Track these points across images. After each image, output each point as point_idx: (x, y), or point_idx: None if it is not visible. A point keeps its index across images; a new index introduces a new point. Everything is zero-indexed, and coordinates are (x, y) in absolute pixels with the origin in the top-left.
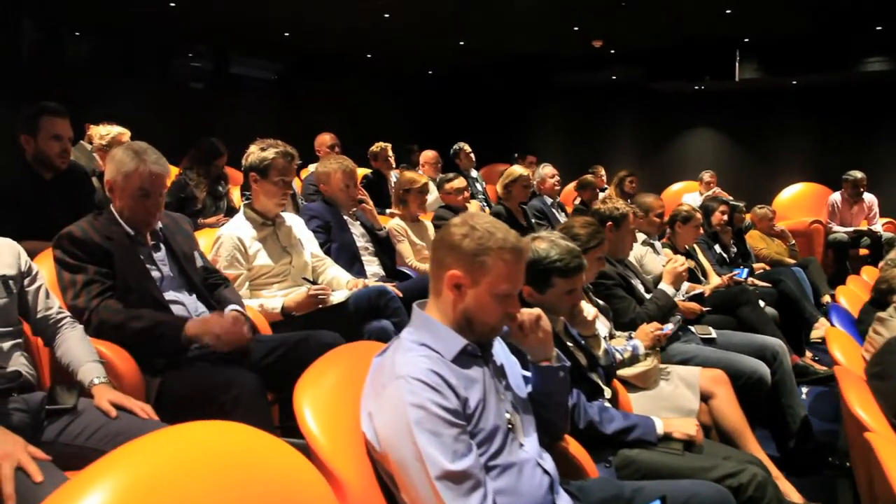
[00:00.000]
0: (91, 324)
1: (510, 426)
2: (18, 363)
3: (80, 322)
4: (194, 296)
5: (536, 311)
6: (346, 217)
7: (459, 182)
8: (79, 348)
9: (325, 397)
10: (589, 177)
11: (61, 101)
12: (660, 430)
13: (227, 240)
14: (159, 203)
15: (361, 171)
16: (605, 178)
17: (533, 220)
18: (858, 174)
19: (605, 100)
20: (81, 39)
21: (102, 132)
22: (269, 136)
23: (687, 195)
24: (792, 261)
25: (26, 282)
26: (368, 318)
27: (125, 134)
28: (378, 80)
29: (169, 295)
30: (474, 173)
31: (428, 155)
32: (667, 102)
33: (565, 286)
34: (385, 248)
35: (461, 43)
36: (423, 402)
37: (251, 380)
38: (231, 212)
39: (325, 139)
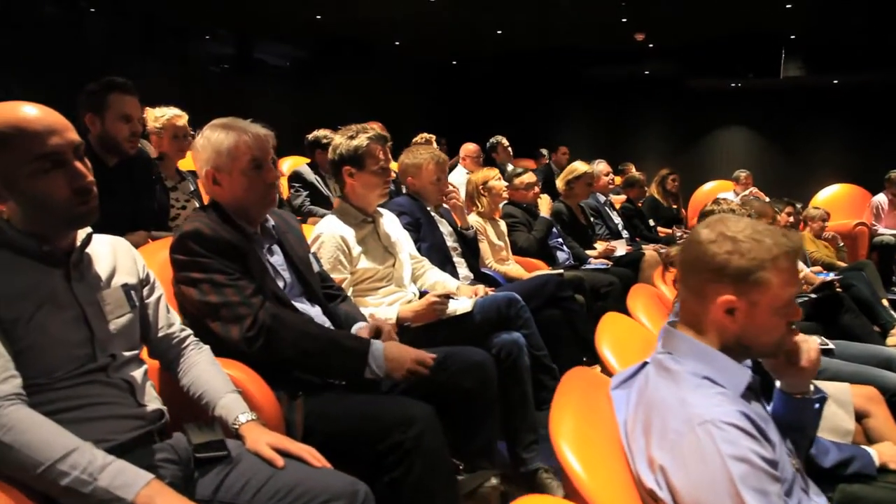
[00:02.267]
0: (257, 330)
1: (797, 472)
2: (152, 397)
3: (240, 331)
4: (318, 308)
5: (815, 339)
6: (433, 214)
7: (529, 177)
8: (212, 375)
9: (576, 435)
10: (637, 174)
11: (77, 80)
12: (876, 461)
13: (329, 240)
14: (276, 172)
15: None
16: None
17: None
18: None
19: (637, 95)
20: (99, 18)
21: (157, 114)
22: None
23: (721, 194)
24: (843, 264)
25: (145, 291)
26: (497, 330)
27: (182, 117)
28: (404, 69)
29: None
30: (511, 168)
31: (469, 148)
32: (700, 99)
33: None
34: (472, 248)
35: (499, 32)
36: (744, 453)
37: (429, 413)
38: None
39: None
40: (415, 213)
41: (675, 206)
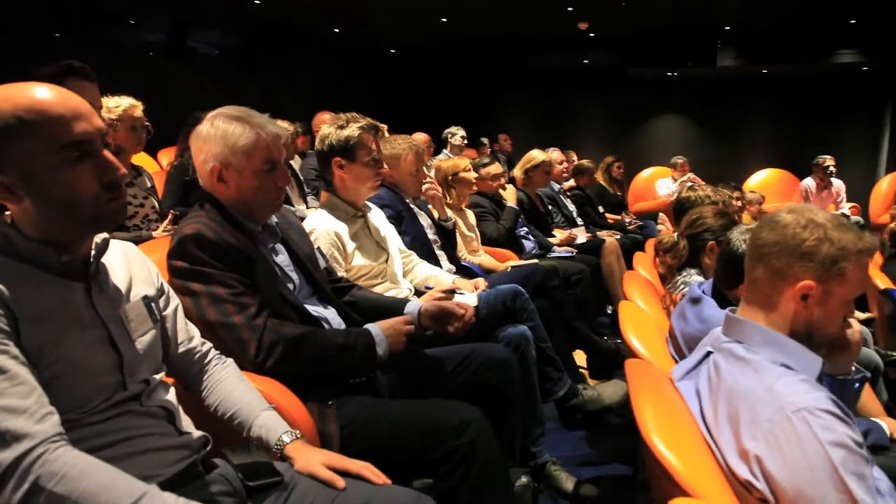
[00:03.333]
0: (265, 354)
1: None
2: (189, 422)
3: (244, 356)
4: (332, 309)
5: (857, 323)
6: (412, 206)
7: (496, 167)
8: (243, 392)
9: (665, 430)
10: (586, 162)
11: (3, 67)
12: (888, 432)
13: (323, 236)
14: (288, 175)
15: None
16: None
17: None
18: (829, 159)
19: (578, 84)
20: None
21: (111, 104)
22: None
23: (660, 180)
24: None
25: (162, 302)
26: (503, 323)
27: (137, 106)
28: (345, 57)
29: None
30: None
31: (420, 138)
32: (639, 88)
33: None
34: (451, 240)
35: (443, 20)
36: (842, 439)
37: (480, 415)
38: None
39: (325, 118)
40: (396, 205)
41: (619, 193)
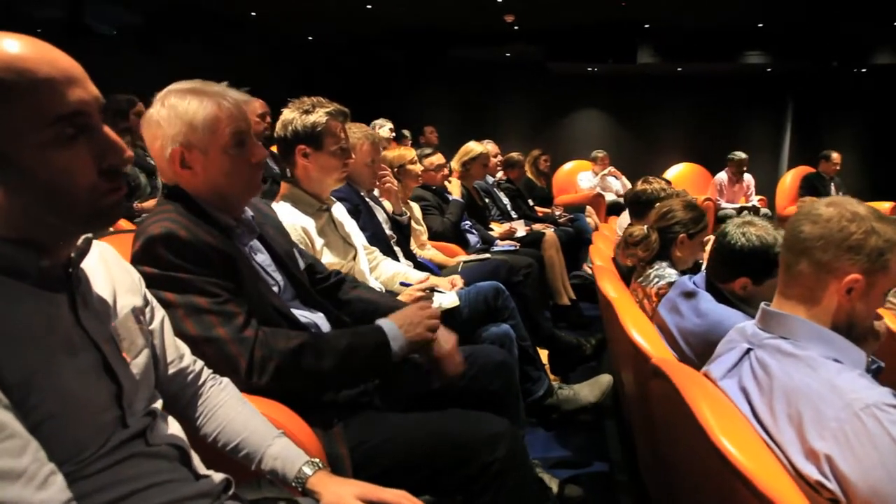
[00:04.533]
0: (259, 372)
1: None
2: (199, 460)
3: (233, 375)
4: (321, 314)
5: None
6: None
7: (439, 158)
8: (247, 418)
9: (729, 430)
10: (516, 155)
11: None
12: None
13: (290, 231)
14: (262, 149)
15: None
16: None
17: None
18: (742, 155)
19: (501, 77)
20: None
21: None
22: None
23: (581, 174)
24: None
25: (148, 314)
26: (485, 322)
27: None
28: (261, 43)
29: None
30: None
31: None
32: (560, 82)
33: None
34: (406, 235)
35: (368, 6)
36: None
37: (509, 426)
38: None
39: (254, 107)
40: (353, 198)
41: (545, 186)
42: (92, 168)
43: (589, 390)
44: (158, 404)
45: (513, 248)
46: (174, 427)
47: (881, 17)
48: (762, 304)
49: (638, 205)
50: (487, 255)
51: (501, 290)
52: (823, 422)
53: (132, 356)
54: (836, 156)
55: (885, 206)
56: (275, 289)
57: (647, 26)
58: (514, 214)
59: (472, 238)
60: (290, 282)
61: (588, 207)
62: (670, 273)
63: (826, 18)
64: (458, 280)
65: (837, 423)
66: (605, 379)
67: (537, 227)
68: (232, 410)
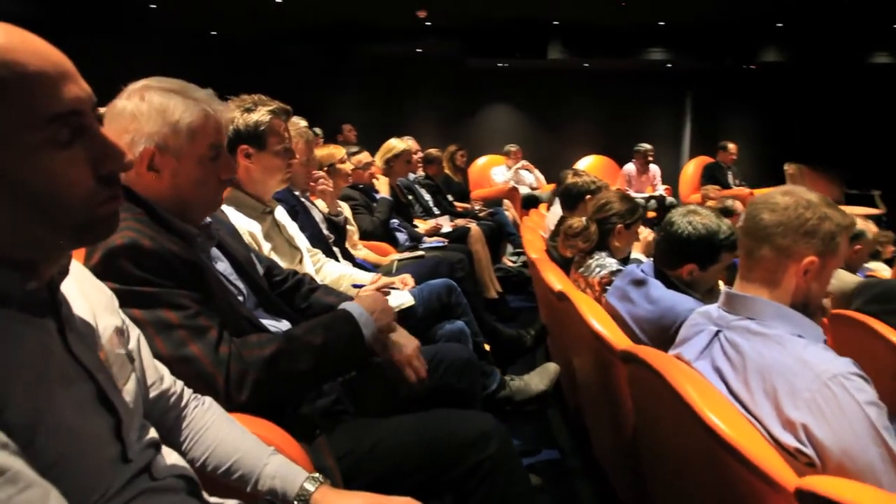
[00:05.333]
0: (236, 388)
1: None
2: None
3: (210, 393)
4: (285, 322)
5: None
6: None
7: (366, 156)
8: (237, 438)
9: (716, 408)
10: (435, 151)
11: None
12: None
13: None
14: (234, 165)
15: None
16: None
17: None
18: (648, 146)
19: (414, 72)
20: None
21: None
22: None
23: (495, 168)
24: None
25: (125, 336)
26: (439, 320)
27: None
28: (162, 37)
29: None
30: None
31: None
32: (473, 78)
33: (725, 262)
34: (342, 235)
35: (278, 1)
36: (872, 397)
37: (497, 422)
38: None
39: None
40: (289, 199)
41: (462, 181)
42: (88, 174)
43: (539, 379)
44: (153, 433)
45: (441, 244)
46: (173, 456)
47: (767, 19)
48: (725, 289)
49: (569, 197)
50: (422, 253)
51: (454, 287)
52: (797, 393)
53: (122, 383)
54: (732, 146)
55: None
56: (240, 298)
57: (556, 23)
58: (436, 211)
59: (401, 236)
60: (251, 289)
61: (505, 201)
62: (610, 262)
63: (720, 19)
64: (409, 279)
65: (810, 394)
66: (552, 367)
67: (460, 222)
68: (220, 431)
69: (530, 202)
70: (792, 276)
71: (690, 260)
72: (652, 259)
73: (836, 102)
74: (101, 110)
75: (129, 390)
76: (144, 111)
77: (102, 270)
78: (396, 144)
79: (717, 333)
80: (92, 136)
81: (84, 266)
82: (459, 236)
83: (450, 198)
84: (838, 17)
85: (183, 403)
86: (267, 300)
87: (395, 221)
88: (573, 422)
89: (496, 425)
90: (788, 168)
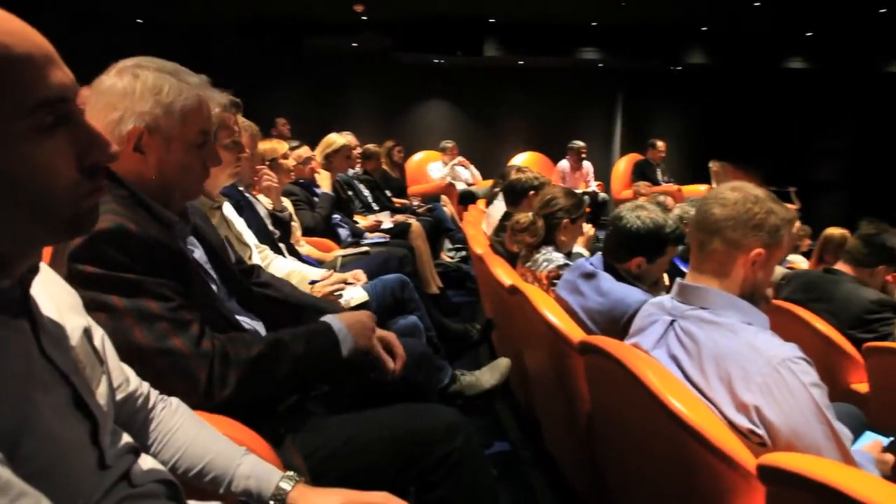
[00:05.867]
0: (219, 387)
1: None
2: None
3: (192, 392)
4: (260, 322)
5: None
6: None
7: (306, 150)
8: (207, 439)
9: (679, 395)
10: (373, 146)
11: None
12: None
13: None
14: (217, 152)
15: None
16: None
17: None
18: (581, 144)
19: (351, 67)
20: None
21: None
22: None
23: (431, 164)
24: None
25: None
26: (393, 315)
27: None
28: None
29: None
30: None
31: None
32: (409, 73)
33: (670, 255)
34: (288, 231)
35: None
36: (816, 379)
37: (460, 415)
38: None
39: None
40: (234, 194)
41: (399, 177)
42: (72, 164)
43: (490, 374)
44: (127, 437)
45: (383, 239)
46: (149, 460)
47: (693, 23)
48: (678, 280)
49: (513, 193)
50: (366, 249)
51: (406, 282)
52: (750, 378)
53: (95, 385)
54: (661, 144)
55: (701, 188)
56: (213, 287)
57: (492, 20)
58: (375, 207)
59: (343, 232)
60: (223, 278)
61: (443, 197)
62: (557, 257)
63: (649, 22)
64: (361, 274)
65: (761, 378)
66: (504, 362)
67: (399, 217)
68: (190, 433)
69: (467, 198)
70: (741, 267)
71: (639, 253)
72: (600, 253)
73: (756, 104)
74: (84, 91)
75: (101, 393)
76: (138, 89)
77: (82, 253)
78: (336, 139)
79: (671, 323)
80: (76, 124)
81: (63, 249)
82: (400, 232)
83: (388, 193)
84: (757, 24)
85: (150, 405)
86: (239, 289)
87: (336, 217)
88: (523, 415)
89: (462, 418)
90: (713, 165)
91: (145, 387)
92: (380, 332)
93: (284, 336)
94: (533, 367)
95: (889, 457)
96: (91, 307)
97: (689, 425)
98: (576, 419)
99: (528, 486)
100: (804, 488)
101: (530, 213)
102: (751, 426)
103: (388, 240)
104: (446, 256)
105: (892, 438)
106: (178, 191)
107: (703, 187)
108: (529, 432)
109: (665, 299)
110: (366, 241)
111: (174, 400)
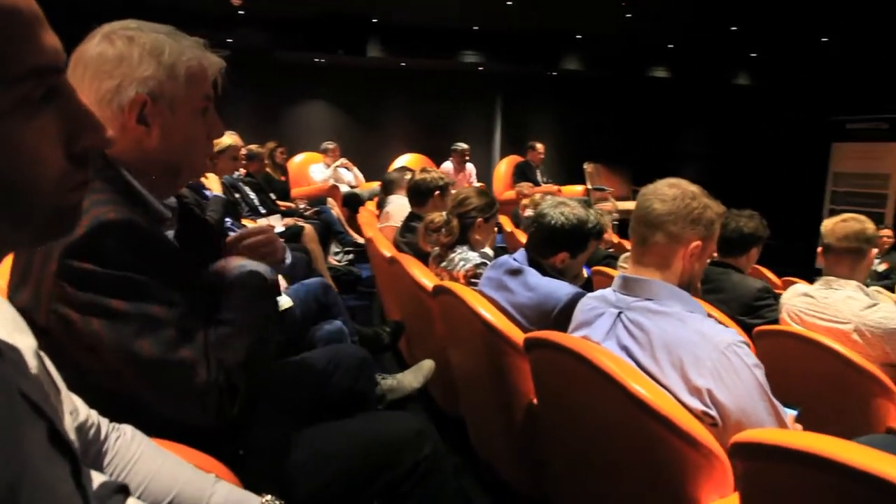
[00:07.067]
0: (230, 403)
1: None
2: None
3: (202, 415)
4: None
5: None
6: None
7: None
8: (174, 468)
9: (636, 378)
10: (256, 147)
11: None
12: None
13: None
14: (220, 122)
15: None
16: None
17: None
18: (464, 146)
19: (228, 64)
20: None
21: None
22: None
23: (313, 166)
24: None
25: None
26: (317, 321)
27: None
28: None
29: None
30: None
31: None
32: (288, 72)
33: (591, 249)
34: None
35: None
36: (756, 360)
37: (426, 422)
38: None
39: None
40: None
41: (283, 179)
42: (60, 150)
43: (413, 377)
44: (99, 475)
45: None
46: (130, 499)
47: (569, 31)
48: (620, 274)
49: (419, 194)
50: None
51: (328, 286)
52: (701, 363)
53: (61, 415)
54: (540, 146)
55: (577, 189)
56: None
57: (375, 20)
58: (262, 210)
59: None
60: None
61: (329, 199)
62: (473, 256)
63: (528, 28)
64: (281, 280)
65: (711, 363)
66: (428, 364)
67: (289, 221)
68: (153, 463)
69: (351, 200)
70: (680, 260)
71: (564, 248)
72: (523, 249)
73: (625, 109)
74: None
75: (68, 426)
76: (136, 53)
77: (84, 248)
78: (221, 140)
79: (619, 315)
80: (67, 100)
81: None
82: (293, 235)
83: (272, 196)
84: (626, 34)
85: (102, 436)
86: None
87: (227, 221)
88: (441, 418)
89: (427, 425)
90: (587, 167)
91: (94, 415)
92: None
93: (239, 315)
94: (461, 367)
95: (799, 427)
96: (84, 311)
97: (654, 410)
98: (513, 417)
99: (458, 488)
100: (783, 459)
101: (444, 213)
102: (704, 408)
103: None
104: (333, 260)
105: (797, 410)
106: (186, 168)
107: (579, 188)
108: (452, 435)
109: (607, 292)
110: None
111: (128, 428)
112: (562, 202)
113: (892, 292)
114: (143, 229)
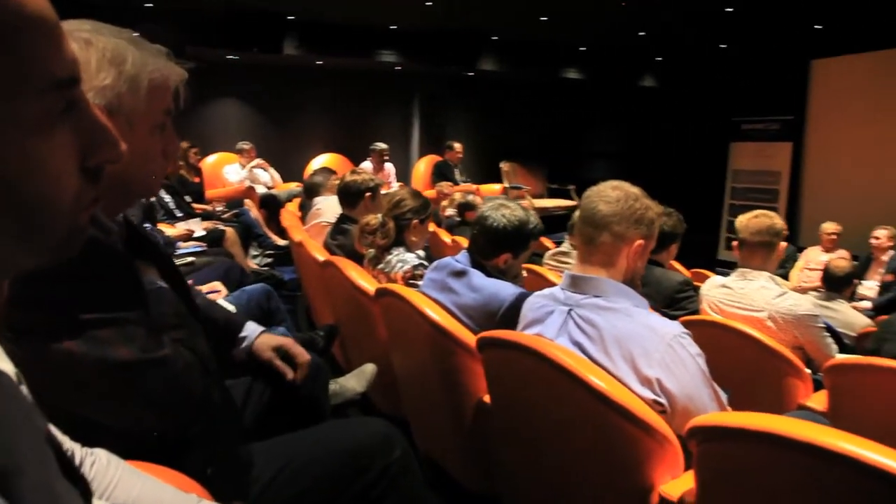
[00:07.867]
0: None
1: None
2: None
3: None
4: None
5: None
6: None
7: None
8: (155, 490)
9: (591, 371)
10: None
11: None
12: None
13: None
14: (176, 138)
15: None
16: None
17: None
18: (383, 145)
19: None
20: None
21: None
22: None
23: (227, 167)
24: None
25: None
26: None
27: None
28: None
29: None
30: None
31: None
32: (198, 69)
33: (532, 249)
34: None
35: None
36: (698, 350)
37: (393, 427)
38: None
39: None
40: None
41: (197, 180)
42: (74, 166)
43: (356, 381)
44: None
45: (199, 248)
46: None
47: (485, 32)
48: (567, 272)
49: (349, 195)
50: (192, 260)
51: (272, 292)
52: (650, 354)
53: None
54: (458, 146)
55: (495, 187)
56: None
57: (290, 18)
58: (178, 213)
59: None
60: None
61: (247, 201)
62: (410, 257)
63: (445, 27)
64: (220, 286)
65: (659, 354)
66: (370, 368)
67: (207, 224)
68: (132, 488)
69: (269, 202)
70: (624, 258)
71: (506, 249)
72: (465, 250)
73: (540, 109)
74: None
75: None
76: (93, 59)
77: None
78: None
79: (569, 312)
80: (82, 113)
81: None
82: (215, 239)
83: (187, 199)
84: (540, 36)
85: (77, 462)
86: None
87: (147, 226)
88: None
89: (393, 429)
90: (504, 166)
91: (68, 441)
92: (276, 339)
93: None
94: (405, 370)
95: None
96: (51, 331)
97: (612, 401)
98: (464, 416)
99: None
100: (739, 438)
101: (379, 215)
102: (654, 397)
103: (204, 248)
104: (253, 263)
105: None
106: (137, 186)
107: (497, 186)
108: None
109: (556, 290)
110: (181, 252)
111: (102, 452)
112: (502, 204)
113: (787, 280)
114: (102, 245)
